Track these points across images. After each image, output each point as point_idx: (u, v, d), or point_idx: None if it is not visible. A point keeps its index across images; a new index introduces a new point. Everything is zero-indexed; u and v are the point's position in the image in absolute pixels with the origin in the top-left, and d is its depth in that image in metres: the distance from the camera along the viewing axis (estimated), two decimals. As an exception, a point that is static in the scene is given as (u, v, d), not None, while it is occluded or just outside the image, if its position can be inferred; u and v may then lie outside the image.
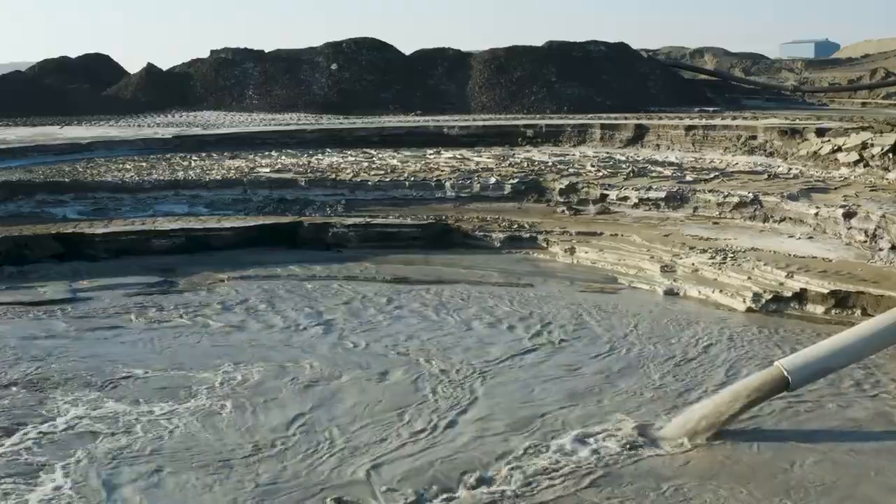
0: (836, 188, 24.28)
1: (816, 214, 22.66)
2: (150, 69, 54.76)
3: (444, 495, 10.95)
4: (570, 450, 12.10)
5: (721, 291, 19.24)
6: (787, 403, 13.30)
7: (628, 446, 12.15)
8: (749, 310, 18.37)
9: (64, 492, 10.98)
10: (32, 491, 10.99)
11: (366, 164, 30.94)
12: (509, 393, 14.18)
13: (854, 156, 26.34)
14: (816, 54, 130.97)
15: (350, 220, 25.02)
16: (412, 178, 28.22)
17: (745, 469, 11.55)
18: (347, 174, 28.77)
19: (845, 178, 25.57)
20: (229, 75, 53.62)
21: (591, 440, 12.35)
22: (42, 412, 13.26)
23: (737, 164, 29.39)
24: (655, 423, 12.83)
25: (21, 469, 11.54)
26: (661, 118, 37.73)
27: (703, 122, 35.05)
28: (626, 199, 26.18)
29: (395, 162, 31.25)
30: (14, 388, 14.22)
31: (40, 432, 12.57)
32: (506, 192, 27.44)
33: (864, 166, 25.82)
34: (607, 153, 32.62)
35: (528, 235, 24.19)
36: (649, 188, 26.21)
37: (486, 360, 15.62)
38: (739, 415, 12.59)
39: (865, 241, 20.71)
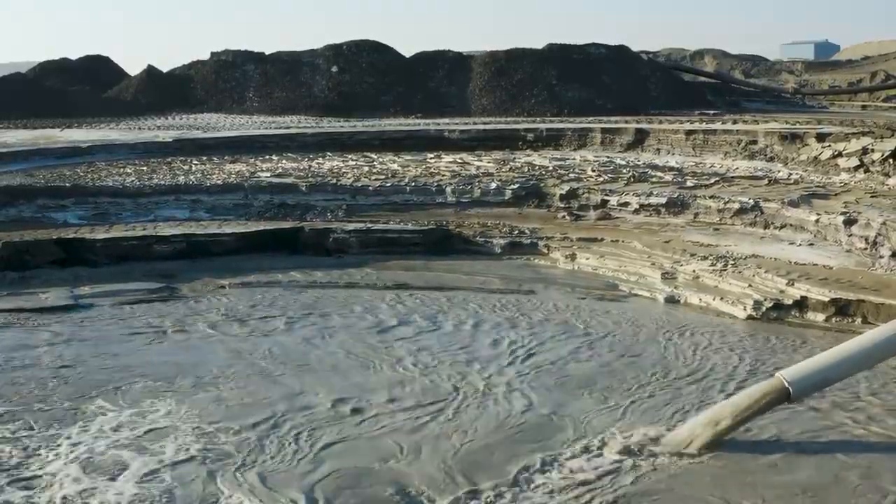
0: (836, 194, 24.27)
1: (817, 221, 22.67)
2: (151, 71, 54.77)
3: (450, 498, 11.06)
4: (568, 460, 12.08)
5: (722, 299, 19.27)
6: (789, 413, 13.33)
7: (628, 457, 12.12)
8: (750, 317, 18.39)
9: None
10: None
11: (366, 168, 30.96)
12: (501, 405, 14.16)
13: (854, 161, 26.37)
14: (816, 55, 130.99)
15: (351, 226, 25.03)
16: (413, 183, 28.24)
17: (746, 479, 11.55)
18: (348, 179, 28.79)
19: (846, 183, 25.58)
20: (230, 77, 53.61)
21: (589, 451, 12.32)
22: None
23: (737, 168, 29.41)
24: (655, 433, 12.83)
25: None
26: (661, 122, 37.73)
27: (704, 126, 35.03)
28: (626, 204, 26.18)
29: (395, 166, 31.27)
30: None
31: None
32: (506, 198, 27.44)
33: (865, 172, 25.85)
34: (608, 157, 32.64)
35: (528, 241, 24.22)
36: (650, 194, 26.22)
37: (487, 369, 15.64)
38: (740, 425, 12.58)
39: (866, 249, 20.71)
